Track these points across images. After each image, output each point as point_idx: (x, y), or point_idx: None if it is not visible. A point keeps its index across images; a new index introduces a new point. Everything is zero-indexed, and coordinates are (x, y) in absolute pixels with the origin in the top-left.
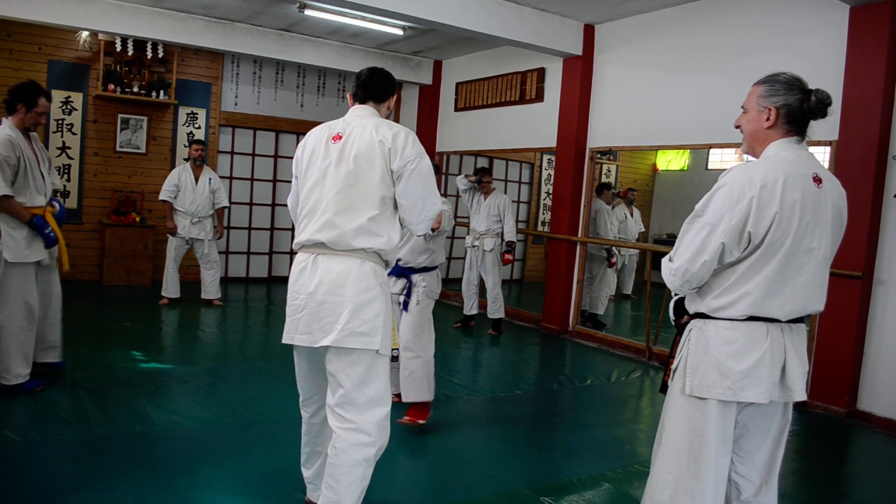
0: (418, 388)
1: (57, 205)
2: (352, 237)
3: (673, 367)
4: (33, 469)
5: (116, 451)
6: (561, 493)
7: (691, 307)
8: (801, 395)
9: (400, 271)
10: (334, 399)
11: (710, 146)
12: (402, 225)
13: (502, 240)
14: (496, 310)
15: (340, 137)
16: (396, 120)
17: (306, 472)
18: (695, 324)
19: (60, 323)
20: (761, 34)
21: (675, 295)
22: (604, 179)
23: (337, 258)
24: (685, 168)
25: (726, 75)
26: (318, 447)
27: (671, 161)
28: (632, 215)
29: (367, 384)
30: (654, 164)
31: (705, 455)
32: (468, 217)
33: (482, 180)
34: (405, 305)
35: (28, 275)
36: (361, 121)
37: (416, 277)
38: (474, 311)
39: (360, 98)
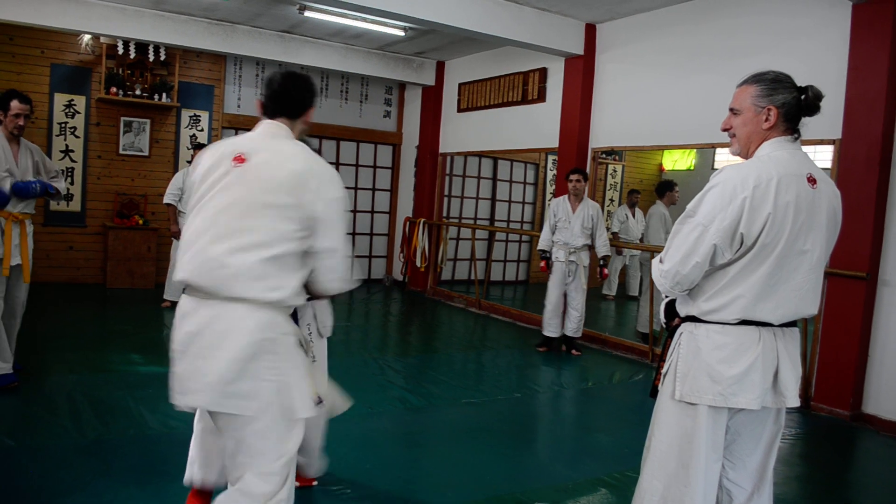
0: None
1: (37, 186)
2: (242, 284)
3: (663, 371)
4: (25, 474)
5: (109, 455)
6: (556, 497)
7: (682, 310)
8: (794, 401)
9: None
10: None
11: (716, 146)
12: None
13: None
14: (578, 328)
15: (244, 160)
16: (399, 121)
17: None
18: (685, 327)
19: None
20: (763, 32)
21: (666, 297)
22: (610, 180)
23: (222, 305)
24: (692, 168)
25: (730, 74)
26: None
27: (677, 161)
28: (634, 216)
29: (263, 453)
30: (661, 164)
31: (695, 462)
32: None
33: (568, 178)
34: None
35: None
36: (272, 142)
37: (303, 310)
38: (558, 334)
39: (270, 112)
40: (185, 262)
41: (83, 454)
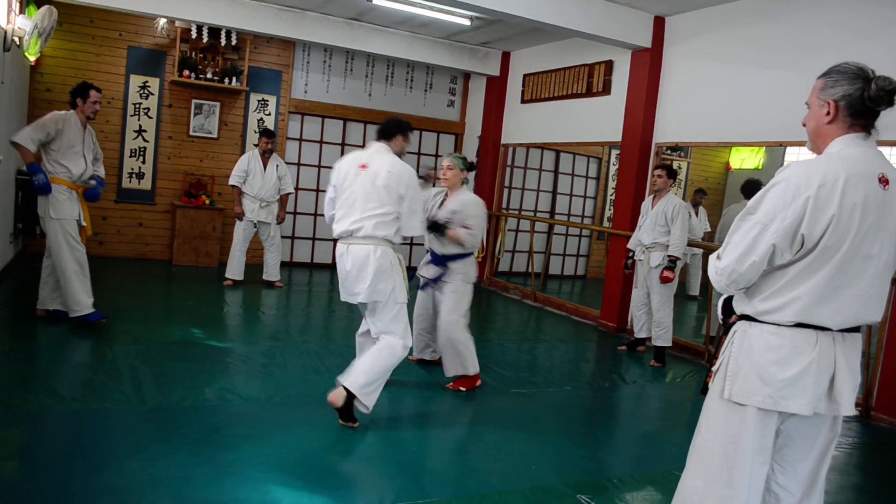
0: (453, 365)
1: (94, 182)
2: (373, 230)
3: (714, 368)
4: (87, 435)
5: (165, 423)
6: (600, 491)
7: (738, 308)
8: (848, 410)
9: (438, 260)
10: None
11: (784, 144)
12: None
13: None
14: (660, 336)
15: (366, 167)
16: (463, 111)
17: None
18: (740, 326)
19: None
20: (834, 29)
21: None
22: None
23: (362, 245)
24: (759, 167)
25: (803, 70)
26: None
27: (745, 159)
28: (697, 215)
29: (391, 320)
30: (727, 163)
31: (740, 463)
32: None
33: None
34: (423, 286)
35: (71, 229)
36: (380, 156)
37: (453, 265)
38: (643, 335)
39: (376, 137)
40: (340, 224)
41: (142, 420)
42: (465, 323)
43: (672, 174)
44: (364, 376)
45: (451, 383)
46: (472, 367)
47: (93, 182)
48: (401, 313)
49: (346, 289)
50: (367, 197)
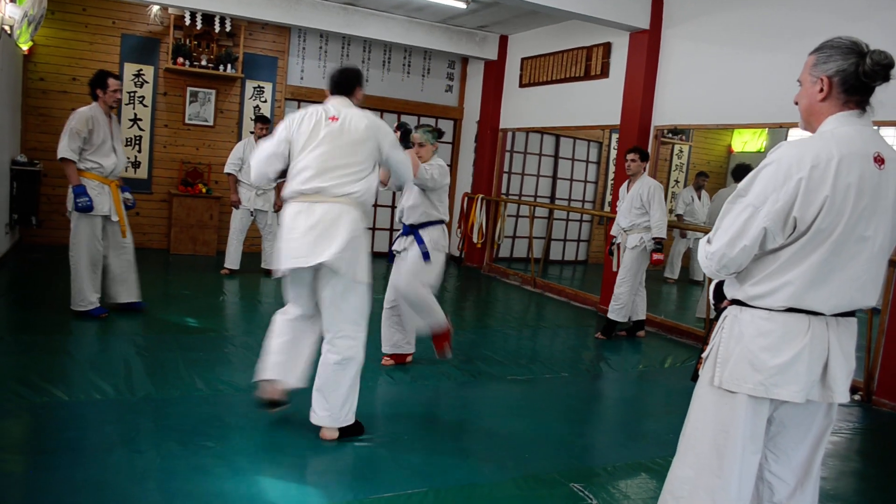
0: (426, 324)
1: (129, 196)
2: (347, 188)
3: (704, 355)
4: (74, 427)
5: (155, 414)
6: (593, 480)
7: (729, 292)
8: (842, 397)
9: (408, 230)
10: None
11: (785, 125)
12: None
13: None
14: (615, 310)
15: (337, 118)
16: (461, 96)
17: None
18: (731, 311)
19: (135, 267)
20: (839, 9)
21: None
22: (676, 161)
23: (332, 203)
24: (762, 150)
25: (803, 52)
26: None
27: (747, 142)
28: (700, 199)
29: (354, 309)
30: (729, 146)
31: (730, 452)
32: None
33: (625, 157)
34: (392, 257)
35: (95, 227)
36: (349, 109)
37: (422, 232)
38: (640, 316)
39: (334, 91)
40: (308, 177)
41: (130, 411)
42: (422, 286)
43: (644, 157)
44: (343, 408)
45: (437, 348)
46: (442, 319)
47: (129, 195)
48: (364, 296)
49: (301, 248)
50: (345, 153)
